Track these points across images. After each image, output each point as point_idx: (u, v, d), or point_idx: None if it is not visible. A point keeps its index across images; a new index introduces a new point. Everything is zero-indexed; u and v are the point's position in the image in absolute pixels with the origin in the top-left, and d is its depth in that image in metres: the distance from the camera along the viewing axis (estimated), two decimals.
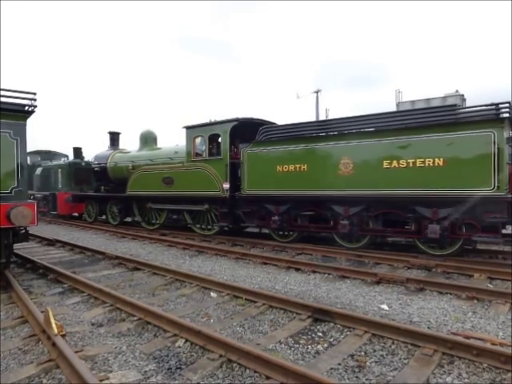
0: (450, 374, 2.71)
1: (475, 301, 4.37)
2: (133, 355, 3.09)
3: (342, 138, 7.33)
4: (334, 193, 7.35)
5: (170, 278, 5.58)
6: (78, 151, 16.82)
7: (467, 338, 3.17)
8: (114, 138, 13.81)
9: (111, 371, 2.81)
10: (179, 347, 3.23)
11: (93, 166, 13.52)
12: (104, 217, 13.12)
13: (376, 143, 6.90)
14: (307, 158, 7.72)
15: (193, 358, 3.02)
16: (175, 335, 3.40)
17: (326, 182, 7.45)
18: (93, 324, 3.83)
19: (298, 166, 7.83)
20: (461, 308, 4.16)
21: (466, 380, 2.63)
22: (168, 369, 2.86)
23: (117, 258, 6.91)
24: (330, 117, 19.17)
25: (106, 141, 13.90)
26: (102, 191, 13.05)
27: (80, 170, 15.65)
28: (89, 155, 16.37)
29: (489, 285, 5.10)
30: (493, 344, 3.05)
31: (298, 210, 8.06)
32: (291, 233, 8.41)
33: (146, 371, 2.82)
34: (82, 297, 4.76)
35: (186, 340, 3.30)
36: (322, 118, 21.84)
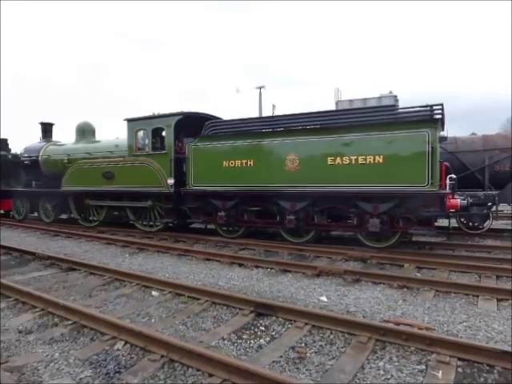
0: (382, 358, 2.90)
1: (405, 289, 4.71)
2: (66, 362, 2.91)
3: (288, 135, 7.43)
4: (280, 188, 7.45)
5: (109, 278, 5.33)
6: (3, 142, 15.30)
7: (397, 324, 3.41)
8: (47, 129, 12.76)
9: (41, 382, 2.62)
10: (118, 350, 3.09)
11: (22, 159, 12.44)
12: (36, 214, 12.17)
13: (321, 140, 7.08)
14: (254, 154, 7.74)
15: (133, 361, 2.91)
16: (114, 338, 3.26)
17: (272, 178, 7.52)
18: (20, 332, 3.53)
19: (244, 161, 7.82)
20: (392, 296, 4.46)
21: (396, 363, 2.83)
22: (106, 374, 2.73)
23: (49, 258, 6.44)
24: (275, 113, 19.49)
25: (37, 132, 12.83)
26: (34, 186, 12.07)
27: (6, 163, 14.29)
28: (16, 148, 14.98)
29: (417, 274, 5.53)
30: (419, 329, 3.30)
31: (245, 205, 8.09)
32: (237, 228, 8.43)
33: (81, 378, 2.67)
34: (7, 302, 4.36)
35: (126, 342, 3.17)
36: (265, 114, 22.09)
